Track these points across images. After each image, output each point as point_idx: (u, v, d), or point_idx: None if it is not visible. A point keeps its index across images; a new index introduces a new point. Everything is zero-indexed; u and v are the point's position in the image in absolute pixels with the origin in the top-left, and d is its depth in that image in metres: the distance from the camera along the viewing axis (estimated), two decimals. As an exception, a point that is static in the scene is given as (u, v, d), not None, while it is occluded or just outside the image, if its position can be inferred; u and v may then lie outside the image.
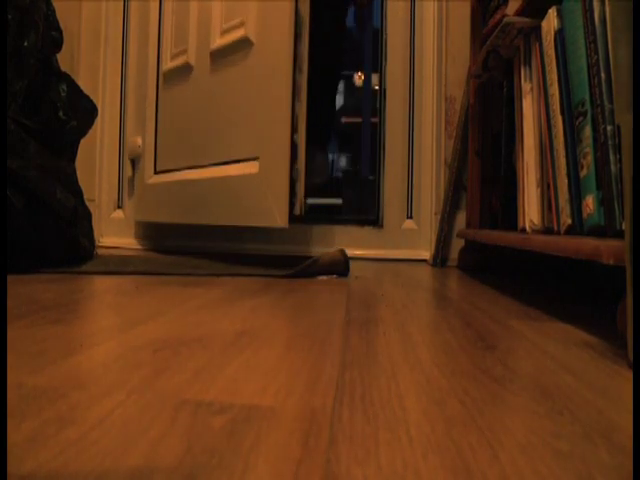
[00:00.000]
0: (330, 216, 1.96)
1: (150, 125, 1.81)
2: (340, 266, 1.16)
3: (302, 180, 1.24)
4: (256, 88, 1.34)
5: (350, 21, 2.98)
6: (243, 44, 1.39)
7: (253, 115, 1.34)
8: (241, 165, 1.37)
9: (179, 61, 1.66)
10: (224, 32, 1.48)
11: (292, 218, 1.24)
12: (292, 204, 1.23)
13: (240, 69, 1.41)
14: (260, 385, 0.39)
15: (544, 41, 0.88)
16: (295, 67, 1.25)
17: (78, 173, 1.27)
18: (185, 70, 1.63)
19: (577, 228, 0.77)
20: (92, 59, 1.92)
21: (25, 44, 1.08)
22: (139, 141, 1.87)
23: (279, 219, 1.22)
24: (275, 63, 1.28)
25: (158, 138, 1.79)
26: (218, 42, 1.49)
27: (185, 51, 1.64)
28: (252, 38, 1.37)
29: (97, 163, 1.94)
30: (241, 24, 1.40)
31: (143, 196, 1.83)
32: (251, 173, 1.32)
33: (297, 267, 1.14)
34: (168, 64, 1.73)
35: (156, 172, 1.79)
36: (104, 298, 0.81)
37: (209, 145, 1.52)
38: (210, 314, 0.67)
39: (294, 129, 1.24)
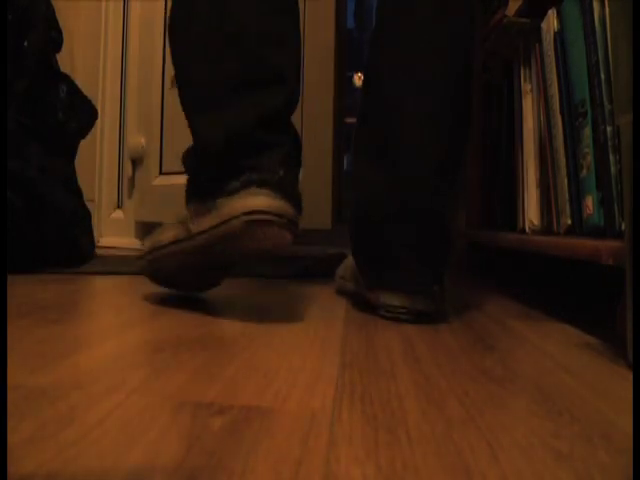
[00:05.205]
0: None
1: (156, 126, 1.80)
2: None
3: None
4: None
5: (350, 22, 2.98)
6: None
7: None
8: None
9: None
10: None
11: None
12: None
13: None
14: (260, 386, 0.39)
15: (544, 42, 0.88)
16: None
17: (78, 173, 1.27)
18: None
19: (577, 229, 0.77)
20: (92, 59, 1.92)
21: (25, 44, 1.08)
22: (143, 141, 1.86)
23: None
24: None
25: (164, 139, 1.77)
26: None
27: None
28: None
29: (97, 163, 1.94)
30: None
31: (146, 196, 1.83)
32: None
33: (298, 268, 1.14)
34: None
35: (162, 173, 1.77)
36: (104, 298, 0.81)
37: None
38: (210, 314, 0.67)
39: None
